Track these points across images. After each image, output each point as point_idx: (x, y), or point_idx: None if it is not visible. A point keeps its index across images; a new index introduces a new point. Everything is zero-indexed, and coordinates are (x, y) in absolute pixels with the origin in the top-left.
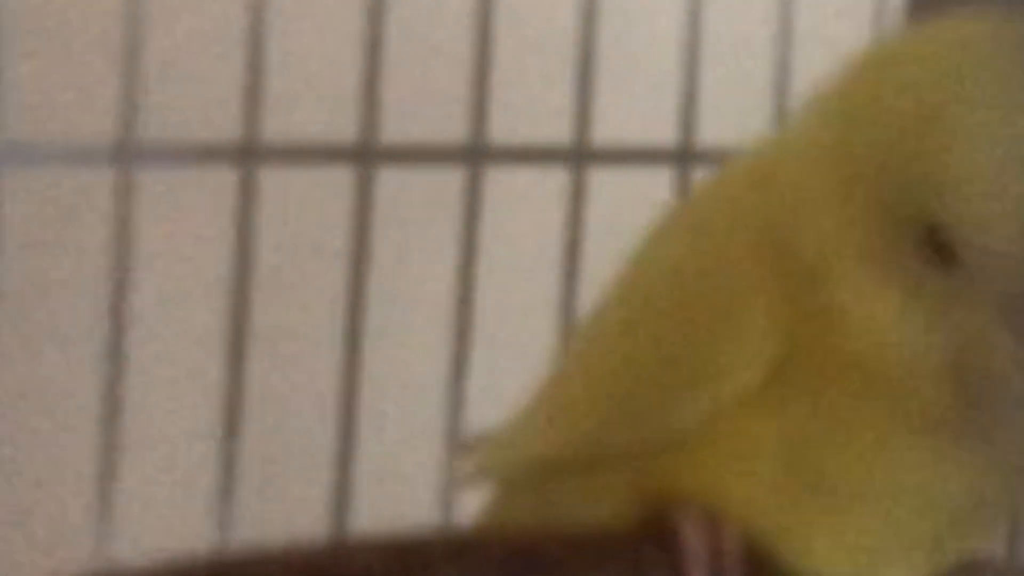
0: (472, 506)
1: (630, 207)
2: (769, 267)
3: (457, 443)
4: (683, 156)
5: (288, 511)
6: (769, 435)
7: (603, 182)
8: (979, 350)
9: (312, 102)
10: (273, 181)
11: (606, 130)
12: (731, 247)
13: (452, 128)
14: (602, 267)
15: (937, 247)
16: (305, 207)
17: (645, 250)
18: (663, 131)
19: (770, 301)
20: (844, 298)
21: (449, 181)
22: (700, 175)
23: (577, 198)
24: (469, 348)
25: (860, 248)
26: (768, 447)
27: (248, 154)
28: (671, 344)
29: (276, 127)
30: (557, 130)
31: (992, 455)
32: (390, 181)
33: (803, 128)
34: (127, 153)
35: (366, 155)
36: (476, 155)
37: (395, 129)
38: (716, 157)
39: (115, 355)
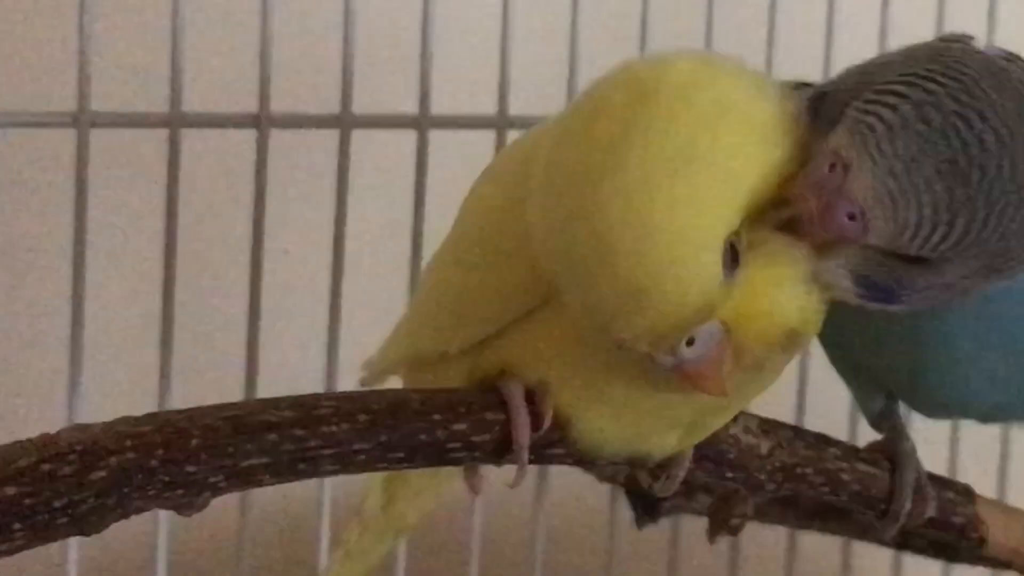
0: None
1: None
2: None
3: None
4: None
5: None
6: (555, 341)
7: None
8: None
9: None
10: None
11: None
12: (512, 204)
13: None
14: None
15: None
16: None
17: (468, 198)
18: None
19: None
20: None
21: (326, 144)
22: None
23: (421, 157)
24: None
25: None
26: (555, 350)
27: (175, 117)
28: (479, 274)
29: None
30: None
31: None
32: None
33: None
34: None
35: (262, 122)
36: (345, 123)
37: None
38: (526, 123)
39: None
